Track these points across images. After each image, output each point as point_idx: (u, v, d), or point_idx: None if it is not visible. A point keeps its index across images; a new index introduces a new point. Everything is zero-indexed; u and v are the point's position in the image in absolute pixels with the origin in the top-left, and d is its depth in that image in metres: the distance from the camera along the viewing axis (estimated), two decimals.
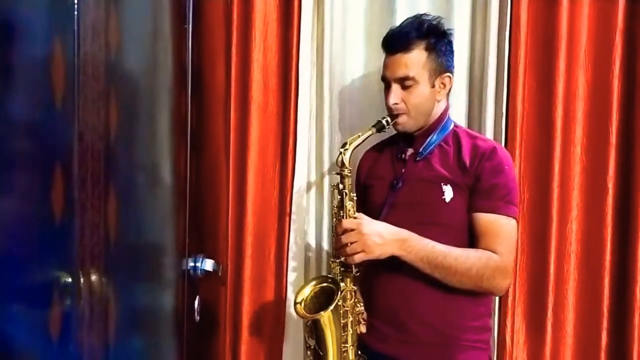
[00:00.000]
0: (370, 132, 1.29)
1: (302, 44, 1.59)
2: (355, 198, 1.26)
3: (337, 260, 1.25)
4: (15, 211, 0.52)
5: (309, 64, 1.61)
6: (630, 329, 1.52)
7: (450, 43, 1.35)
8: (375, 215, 1.31)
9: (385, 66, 1.33)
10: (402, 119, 1.31)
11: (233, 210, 1.64)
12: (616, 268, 1.56)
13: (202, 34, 1.17)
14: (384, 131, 1.32)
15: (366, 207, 1.39)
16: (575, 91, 1.56)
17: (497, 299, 1.58)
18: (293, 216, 1.63)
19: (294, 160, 1.63)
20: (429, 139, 1.33)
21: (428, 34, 1.29)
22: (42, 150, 0.56)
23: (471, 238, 1.27)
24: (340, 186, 1.26)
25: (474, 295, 1.26)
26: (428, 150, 1.32)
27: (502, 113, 1.55)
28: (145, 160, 0.87)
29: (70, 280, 0.61)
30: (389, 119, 1.29)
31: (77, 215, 0.59)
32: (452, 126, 1.36)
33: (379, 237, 1.19)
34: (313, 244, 1.67)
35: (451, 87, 1.37)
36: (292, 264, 1.64)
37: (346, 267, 1.25)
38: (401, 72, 1.28)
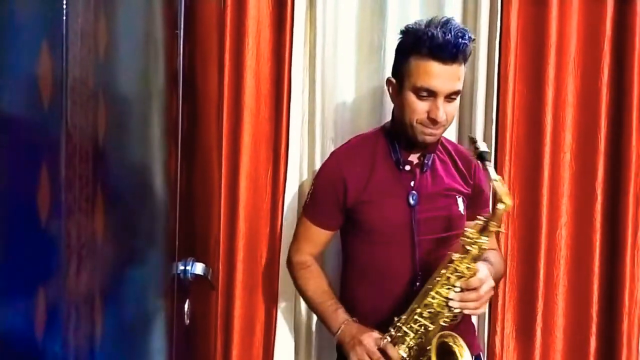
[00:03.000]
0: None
1: (294, 49, 1.60)
2: (477, 242, 1.14)
3: (452, 314, 1.15)
4: (1, 212, 0.53)
5: (301, 70, 1.62)
6: (619, 335, 1.53)
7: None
8: (395, 234, 1.26)
9: (434, 76, 1.16)
10: (439, 131, 1.23)
11: (225, 215, 1.64)
12: (605, 274, 1.57)
13: (194, 39, 1.18)
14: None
15: (368, 224, 1.29)
16: (564, 98, 1.58)
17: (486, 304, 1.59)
18: (285, 221, 1.64)
19: (286, 165, 1.63)
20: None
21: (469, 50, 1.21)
22: (28, 152, 0.56)
23: None
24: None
25: None
26: (431, 160, 1.29)
27: (492, 119, 1.57)
28: (135, 164, 0.87)
29: (56, 282, 0.61)
30: (480, 146, 1.17)
31: (64, 217, 0.59)
32: None
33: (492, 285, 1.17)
34: None
35: None
36: (283, 268, 1.65)
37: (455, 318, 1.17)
38: (456, 86, 1.18)
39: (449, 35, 1.15)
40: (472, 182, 1.31)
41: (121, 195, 0.81)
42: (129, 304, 0.88)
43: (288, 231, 1.64)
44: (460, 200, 1.30)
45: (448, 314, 1.15)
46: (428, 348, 1.14)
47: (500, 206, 1.11)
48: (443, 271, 1.15)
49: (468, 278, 1.14)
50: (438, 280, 1.15)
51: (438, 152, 1.32)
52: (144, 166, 0.92)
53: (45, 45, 0.57)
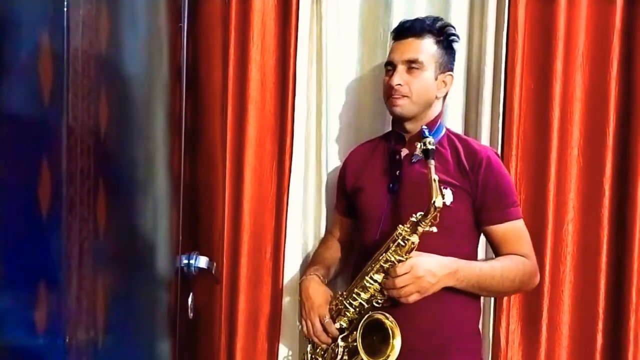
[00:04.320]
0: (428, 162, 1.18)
1: (299, 43, 1.60)
2: (408, 239, 1.17)
3: (384, 297, 1.22)
4: (1, 207, 0.52)
5: (307, 63, 1.62)
6: (626, 331, 1.52)
7: (453, 48, 1.38)
8: (374, 220, 1.33)
9: (392, 50, 1.35)
10: (403, 101, 1.31)
11: (229, 209, 1.64)
12: (612, 270, 1.56)
13: (199, 32, 1.17)
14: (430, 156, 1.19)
15: (360, 210, 1.39)
16: (572, 92, 1.56)
17: (492, 300, 1.58)
18: (290, 215, 1.64)
19: (291, 159, 1.63)
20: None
21: (440, 30, 1.34)
22: (29, 145, 0.56)
23: (470, 244, 1.33)
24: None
25: (466, 300, 1.28)
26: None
27: (499, 114, 1.56)
28: (138, 157, 0.87)
29: (58, 275, 0.61)
30: (427, 140, 1.18)
31: (65, 210, 0.59)
32: (444, 130, 1.38)
33: (432, 276, 1.17)
34: (310, 243, 1.67)
35: (449, 89, 1.38)
36: (288, 263, 1.65)
37: (388, 301, 1.23)
38: (411, 55, 1.30)
39: (412, 19, 1.36)
40: (473, 179, 1.29)
41: (124, 189, 0.81)
42: (133, 297, 0.88)
43: (293, 225, 1.64)
44: (447, 192, 1.24)
45: (380, 297, 1.22)
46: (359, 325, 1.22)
47: (432, 207, 1.13)
48: (380, 256, 1.21)
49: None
50: (373, 266, 1.22)
51: (438, 145, 1.30)
52: (147, 159, 0.91)
53: (46, 37, 0.56)
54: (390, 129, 1.47)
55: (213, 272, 1.16)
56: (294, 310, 1.65)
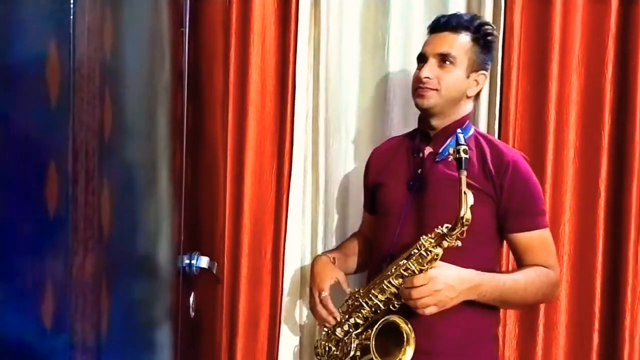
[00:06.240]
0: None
1: (299, 47, 1.62)
2: (431, 251, 1.14)
3: (400, 302, 1.18)
4: (9, 207, 0.54)
5: (306, 67, 1.64)
6: (621, 331, 1.54)
7: (490, 47, 1.32)
8: (392, 216, 1.29)
9: (426, 43, 1.31)
10: (430, 94, 1.26)
11: (230, 210, 1.66)
12: (608, 270, 1.58)
13: (200, 36, 1.19)
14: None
15: (379, 206, 1.37)
16: (568, 95, 1.58)
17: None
18: (289, 216, 1.66)
19: (291, 161, 1.65)
20: (450, 139, 1.26)
21: (478, 27, 1.29)
22: (37, 148, 0.58)
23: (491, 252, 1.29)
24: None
25: (486, 305, 1.23)
26: (448, 151, 1.25)
27: (496, 116, 1.58)
28: (141, 159, 0.89)
29: (63, 274, 0.63)
30: (462, 148, 1.11)
31: (71, 210, 0.61)
32: (472, 130, 1.32)
33: (452, 290, 1.12)
34: (309, 244, 1.70)
35: (481, 88, 1.33)
36: (288, 263, 1.67)
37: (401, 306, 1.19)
38: (444, 49, 1.26)
39: (450, 14, 1.32)
40: (499, 183, 1.23)
41: (127, 190, 0.83)
42: (135, 296, 0.90)
43: (292, 226, 1.66)
44: (469, 194, 1.22)
45: (396, 301, 1.19)
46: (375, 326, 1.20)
47: (459, 222, 1.08)
48: (402, 262, 1.17)
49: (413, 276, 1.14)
50: (392, 271, 1.18)
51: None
52: (150, 161, 0.93)
53: (54, 45, 0.58)
54: (391, 131, 1.49)
55: (214, 272, 1.18)
56: (294, 310, 1.67)
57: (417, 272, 1.14)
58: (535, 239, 1.25)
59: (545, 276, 1.23)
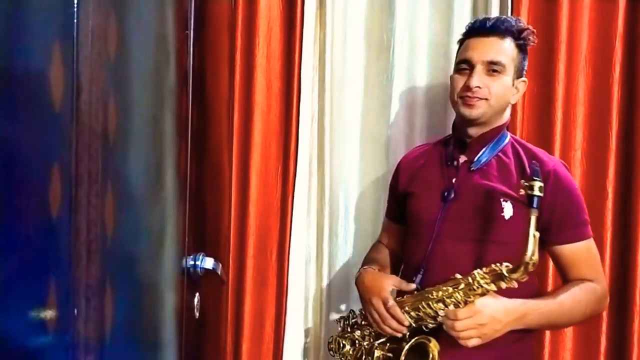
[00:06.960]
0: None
1: (304, 48, 1.62)
2: (483, 286, 1.08)
3: (435, 324, 1.15)
4: (13, 208, 0.55)
5: (311, 69, 1.64)
6: (630, 334, 1.52)
7: (527, 52, 1.28)
8: (424, 227, 1.24)
9: (470, 48, 1.22)
10: (479, 104, 1.19)
11: (235, 211, 1.67)
12: (616, 272, 1.56)
13: (205, 38, 1.20)
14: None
15: (410, 216, 1.31)
16: (575, 95, 1.57)
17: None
18: (294, 218, 1.66)
19: (296, 162, 1.65)
20: (486, 147, 1.23)
21: (520, 32, 1.23)
22: (41, 149, 0.59)
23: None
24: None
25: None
26: (485, 160, 1.22)
27: None
28: (145, 160, 0.89)
29: (66, 275, 0.64)
30: (537, 185, 1.02)
31: (74, 211, 0.62)
32: (509, 138, 1.28)
33: (497, 323, 1.08)
34: (314, 245, 1.70)
35: (521, 95, 1.30)
36: (293, 264, 1.67)
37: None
38: (493, 56, 1.19)
39: (493, 18, 1.25)
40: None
41: (131, 191, 0.83)
42: (139, 297, 0.90)
43: (297, 227, 1.66)
44: (507, 205, 1.17)
45: (431, 322, 1.15)
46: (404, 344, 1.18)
47: (524, 265, 1.01)
48: (446, 288, 1.12)
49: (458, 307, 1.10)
50: (434, 294, 1.13)
51: (501, 154, 1.23)
52: (155, 163, 0.94)
53: (57, 46, 0.59)
54: (396, 133, 1.48)
55: (219, 273, 1.18)
56: (299, 312, 1.68)
57: (461, 302, 1.09)
58: (580, 251, 1.20)
59: (591, 292, 1.19)
